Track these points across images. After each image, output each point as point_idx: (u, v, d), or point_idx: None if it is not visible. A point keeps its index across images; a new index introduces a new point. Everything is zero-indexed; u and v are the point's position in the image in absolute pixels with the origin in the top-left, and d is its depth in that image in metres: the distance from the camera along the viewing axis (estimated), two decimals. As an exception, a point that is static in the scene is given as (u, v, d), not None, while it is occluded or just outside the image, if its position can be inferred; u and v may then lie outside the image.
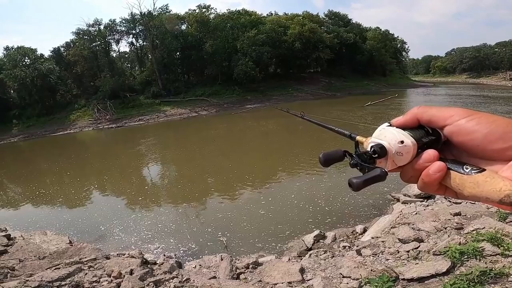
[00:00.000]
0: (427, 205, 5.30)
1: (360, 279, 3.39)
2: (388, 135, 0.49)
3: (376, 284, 3.04)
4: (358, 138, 0.55)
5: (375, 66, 46.62)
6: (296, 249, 4.71)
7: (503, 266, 3.12)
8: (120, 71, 37.98)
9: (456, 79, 65.10)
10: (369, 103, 24.06)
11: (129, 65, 47.07)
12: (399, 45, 57.49)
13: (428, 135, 0.48)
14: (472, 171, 0.41)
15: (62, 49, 36.75)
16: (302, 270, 3.74)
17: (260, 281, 3.57)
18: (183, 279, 3.49)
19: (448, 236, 4.05)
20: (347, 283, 3.40)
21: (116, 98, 32.10)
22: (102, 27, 37.33)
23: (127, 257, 4.08)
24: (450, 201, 5.23)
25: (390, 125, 0.51)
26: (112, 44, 39.49)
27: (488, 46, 68.12)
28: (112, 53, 40.21)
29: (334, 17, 50.00)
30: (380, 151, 0.48)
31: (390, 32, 52.57)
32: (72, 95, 35.89)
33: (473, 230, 3.99)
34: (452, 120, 0.45)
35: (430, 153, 0.46)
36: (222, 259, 4.18)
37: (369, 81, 43.38)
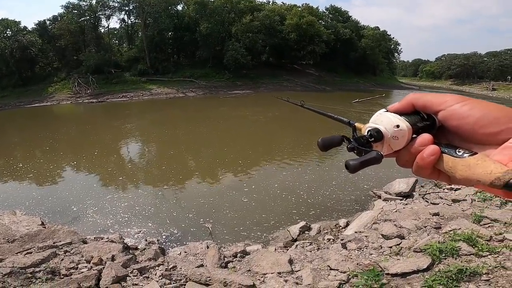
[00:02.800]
0: (406, 204, 5.54)
1: (348, 272, 3.46)
2: (385, 120, 0.50)
3: (367, 276, 3.12)
4: (356, 124, 0.56)
5: (367, 65, 46.94)
6: (281, 239, 4.72)
7: (477, 266, 3.31)
8: (107, 46, 36.83)
9: (441, 85, 66.06)
10: (357, 100, 24.66)
11: (117, 41, 45.43)
12: (392, 46, 57.27)
13: (423, 121, 0.49)
14: (465, 154, 0.43)
15: (48, 22, 35.15)
16: (290, 261, 3.75)
17: (249, 270, 3.52)
18: (170, 267, 3.34)
19: (428, 235, 4.24)
20: (335, 276, 3.46)
21: (100, 73, 31.17)
22: (94, 1, 35.49)
23: (106, 241, 3.83)
24: (427, 201, 5.51)
25: (387, 111, 0.52)
26: (102, 19, 37.93)
27: (478, 54, 68.46)
28: (100, 28, 38.57)
29: (334, 12, 49.40)
30: (377, 135, 0.49)
31: (387, 32, 52.46)
32: (52, 67, 34.45)
33: (450, 230, 4.20)
34: (446, 105, 0.47)
35: (424, 137, 0.47)
36: (208, 247, 4.07)
37: (359, 78, 44.07)
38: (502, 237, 3.55)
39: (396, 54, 61.19)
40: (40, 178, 8.14)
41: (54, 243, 3.18)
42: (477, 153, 0.42)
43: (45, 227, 3.60)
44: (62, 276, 2.60)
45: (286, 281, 3.28)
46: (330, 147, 0.55)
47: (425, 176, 0.48)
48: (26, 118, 20.18)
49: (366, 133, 0.51)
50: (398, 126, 0.48)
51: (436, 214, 4.72)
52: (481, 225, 4.19)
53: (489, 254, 3.37)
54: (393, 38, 56.28)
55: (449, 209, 4.84)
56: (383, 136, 0.49)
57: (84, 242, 3.64)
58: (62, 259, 2.91)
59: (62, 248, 3.15)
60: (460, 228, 4.17)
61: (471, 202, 4.84)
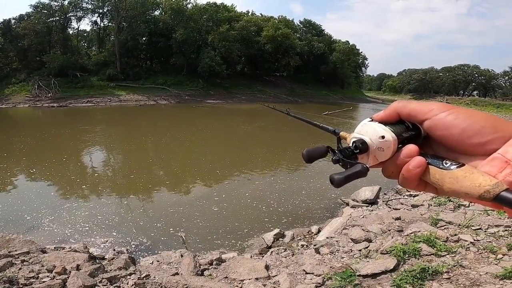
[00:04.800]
0: (372, 210, 5.90)
1: (323, 275, 3.56)
2: (370, 130, 0.48)
3: (341, 278, 3.24)
4: (342, 133, 0.56)
5: (336, 78, 48.69)
6: (256, 246, 4.71)
7: (438, 265, 3.61)
8: (75, 49, 35.09)
9: (401, 99, 68.86)
10: (327, 112, 25.72)
11: (86, 44, 43.14)
12: (360, 60, 59.22)
13: (408, 130, 0.48)
14: (452, 166, 0.41)
15: (13, 21, 32.74)
16: (267, 267, 3.75)
17: (226, 277, 3.46)
18: (142, 276, 3.16)
19: (392, 237, 4.54)
20: (311, 279, 3.54)
21: (64, 76, 29.29)
22: (66, 2, 33.73)
23: (69, 251, 3.51)
24: (390, 207, 5.92)
25: (372, 120, 0.51)
26: (73, 21, 36.19)
27: (435, 70, 70.16)
28: (69, 30, 36.72)
29: (308, 26, 50.96)
30: (362, 146, 0.48)
31: (356, 47, 54.36)
32: (11, 68, 31.93)
33: (411, 233, 4.55)
34: (431, 114, 0.45)
35: (410, 148, 0.45)
36: (182, 255, 3.92)
37: (328, 91, 45.85)
38: (457, 238, 3.93)
39: (363, 68, 63.97)
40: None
41: (9, 252, 2.83)
42: (465, 165, 0.41)
43: (-3, 236, 3.20)
44: (21, 286, 2.32)
45: (264, 285, 3.27)
46: (315, 158, 0.53)
47: (412, 188, 0.47)
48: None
49: (351, 144, 0.49)
50: (383, 137, 0.46)
51: (398, 219, 5.09)
52: (438, 227, 4.60)
53: (447, 254, 3.68)
54: (362, 52, 58.87)
55: (409, 214, 5.25)
56: (368, 148, 0.48)
57: (44, 251, 3.30)
58: (20, 269, 2.59)
59: (18, 258, 2.81)
60: (419, 231, 4.52)
61: (428, 206, 5.30)
